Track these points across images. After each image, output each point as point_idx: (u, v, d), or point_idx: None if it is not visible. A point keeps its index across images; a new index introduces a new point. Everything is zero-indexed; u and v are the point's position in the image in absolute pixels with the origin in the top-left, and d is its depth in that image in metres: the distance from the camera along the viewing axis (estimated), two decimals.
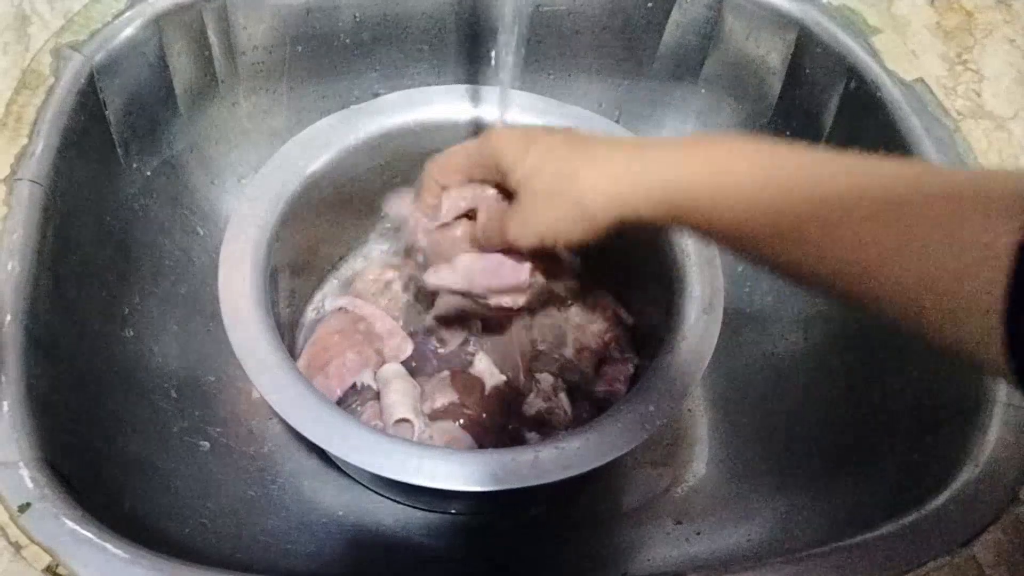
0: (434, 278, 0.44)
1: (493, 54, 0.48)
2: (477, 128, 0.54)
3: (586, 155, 0.36)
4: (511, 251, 0.42)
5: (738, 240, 0.32)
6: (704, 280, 0.49)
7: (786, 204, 0.29)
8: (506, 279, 0.43)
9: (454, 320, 0.56)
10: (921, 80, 0.50)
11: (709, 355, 0.46)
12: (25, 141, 0.43)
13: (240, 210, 0.48)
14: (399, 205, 0.45)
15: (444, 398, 0.53)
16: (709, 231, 0.33)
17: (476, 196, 0.42)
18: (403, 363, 0.56)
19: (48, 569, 0.33)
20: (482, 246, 0.42)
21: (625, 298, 0.59)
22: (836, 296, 0.29)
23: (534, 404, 0.55)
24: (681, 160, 0.33)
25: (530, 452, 0.41)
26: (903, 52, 0.52)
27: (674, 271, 0.50)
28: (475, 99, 0.54)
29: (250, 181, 0.50)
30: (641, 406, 0.43)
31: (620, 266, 0.56)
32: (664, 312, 0.50)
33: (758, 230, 0.30)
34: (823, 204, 0.28)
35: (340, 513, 0.53)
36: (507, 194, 0.40)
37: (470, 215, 0.43)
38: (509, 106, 0.50)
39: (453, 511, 0.54)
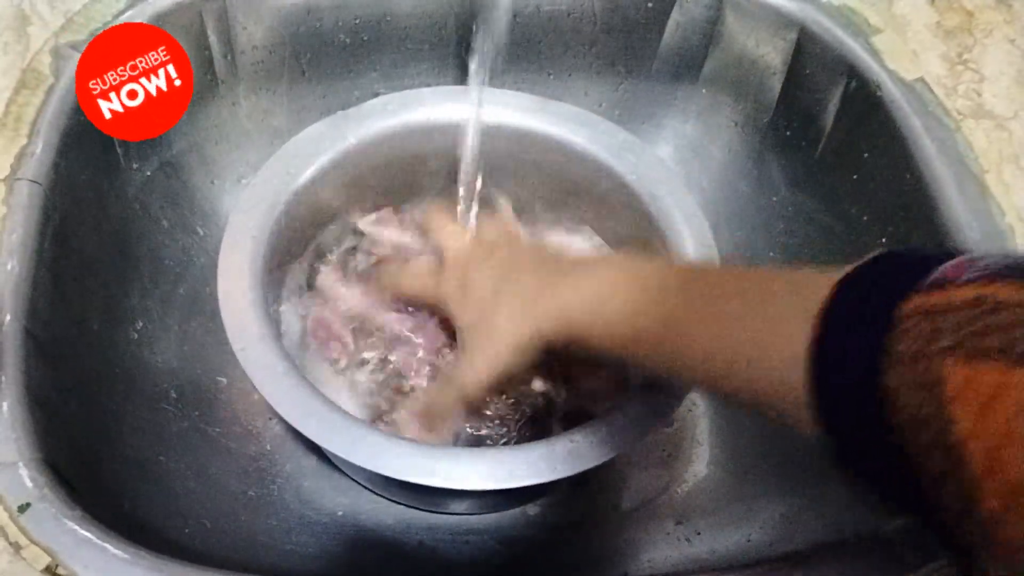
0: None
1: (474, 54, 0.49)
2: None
3: (506, 291, 0.41)
4: None
5: (614, 355, 0.38)
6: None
7: (642, 324, 0.35)
8: None
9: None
10: (922, 80, 0.50)
11: None
12: (24, 141, 0.43)
13: (233, 222, 0.47)
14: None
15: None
16: (598, 351, 0.38)
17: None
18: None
19: (47, 569, 0.33)
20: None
21: None
22: (688, 382, 0.39)
23: None
24: (574, 293, 0.38)
25: (543, 447, 0.41)
26: (904, 52, 0.52)
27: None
28: (465, 100, 0.54)
29: (242, 192, 0.49)
30: (650, 395, 0.43)
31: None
32: None
33: (627, 345, 0.36)
34: (669, 318, 0.34)
35: (340, 513, 0.53)
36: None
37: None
38: (492, 105, 0.51)
39: (458, 511, 0.54)
